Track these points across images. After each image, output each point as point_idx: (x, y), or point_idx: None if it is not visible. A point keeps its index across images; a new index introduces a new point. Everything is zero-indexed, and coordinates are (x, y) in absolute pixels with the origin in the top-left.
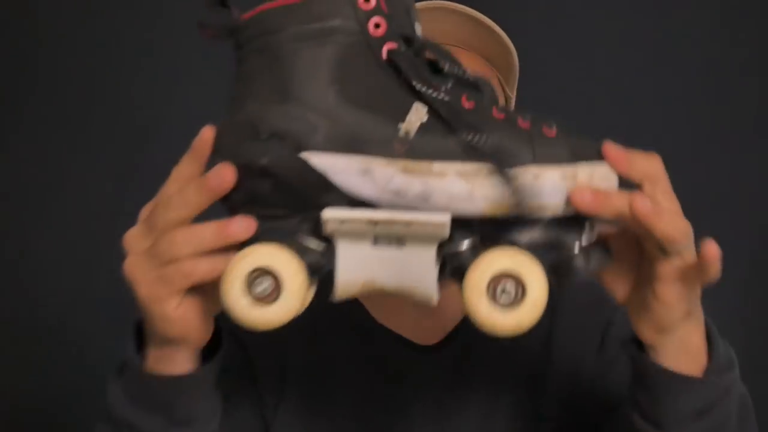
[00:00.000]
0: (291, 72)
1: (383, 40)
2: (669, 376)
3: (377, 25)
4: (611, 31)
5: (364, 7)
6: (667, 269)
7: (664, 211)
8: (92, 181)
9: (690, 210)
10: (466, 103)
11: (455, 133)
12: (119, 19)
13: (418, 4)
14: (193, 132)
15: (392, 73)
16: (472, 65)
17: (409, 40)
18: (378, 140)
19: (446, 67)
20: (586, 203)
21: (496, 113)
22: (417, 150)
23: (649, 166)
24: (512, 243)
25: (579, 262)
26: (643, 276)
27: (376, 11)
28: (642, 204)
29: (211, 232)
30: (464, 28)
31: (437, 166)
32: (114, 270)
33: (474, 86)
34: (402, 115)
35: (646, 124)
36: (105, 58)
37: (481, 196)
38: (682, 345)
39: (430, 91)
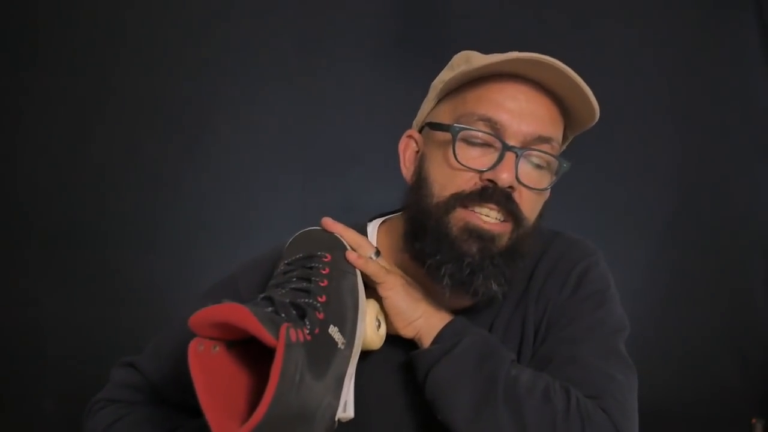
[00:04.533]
0: None
1: None
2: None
3: None
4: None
5: None
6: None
7: (368, 267)
8: None
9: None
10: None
11: None
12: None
13: (528, 56)
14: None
15: None
16: (546, 112)
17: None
18: None
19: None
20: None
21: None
22: None
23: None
24: None
25: None
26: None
27: None
28: (362, 263)
29: None
30: (559, 80)
31: None
32: None
33: None
34: None
35: None
36: None
37: None
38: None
39: None
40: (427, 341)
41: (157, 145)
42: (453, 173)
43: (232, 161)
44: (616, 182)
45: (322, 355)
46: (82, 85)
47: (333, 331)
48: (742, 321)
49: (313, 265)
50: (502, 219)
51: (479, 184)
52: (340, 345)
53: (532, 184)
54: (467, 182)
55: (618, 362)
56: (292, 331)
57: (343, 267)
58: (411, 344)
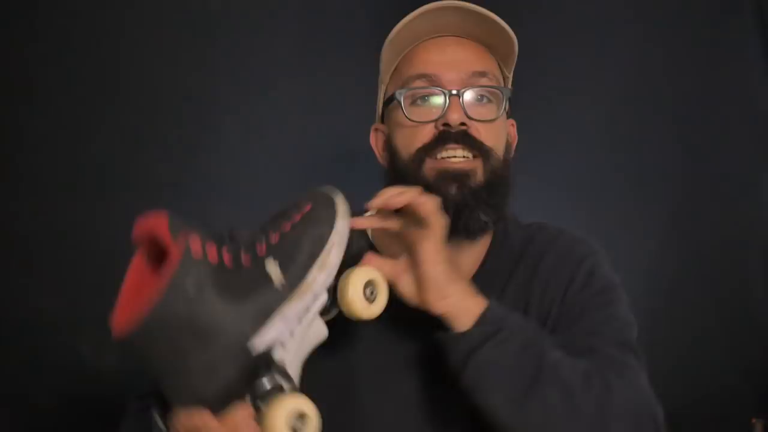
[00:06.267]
0: None
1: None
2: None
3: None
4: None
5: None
6: (423, 235)
7: (421, 198)
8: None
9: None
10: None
11: None
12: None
13: (432, 5)
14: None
15: None
16: (473, 54)
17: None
18: None
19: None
20: (384, 203)
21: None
22: None
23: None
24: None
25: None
26: (413, 262)
27: None
28: (412, 195)
29: None
30: (469, 22)
31: None
32: None
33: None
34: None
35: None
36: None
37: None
38: (461, 308)
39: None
40: (461, 322)
41: (158, 145)
42: (411, 131)
43: (232, 161)
44: (616, 182)
45: (243, 283)
46: (83, 85)
47: (271, 264)
48: (742, 321)
49: (288, 212)
50: (469, 156)
51: (436, 132)
52: (275, 282)
53: (482, 117)
54: (426, 135)
55: (632, 354)
56: (198, 246)
57: (318, 216)
58: (413, 322)
